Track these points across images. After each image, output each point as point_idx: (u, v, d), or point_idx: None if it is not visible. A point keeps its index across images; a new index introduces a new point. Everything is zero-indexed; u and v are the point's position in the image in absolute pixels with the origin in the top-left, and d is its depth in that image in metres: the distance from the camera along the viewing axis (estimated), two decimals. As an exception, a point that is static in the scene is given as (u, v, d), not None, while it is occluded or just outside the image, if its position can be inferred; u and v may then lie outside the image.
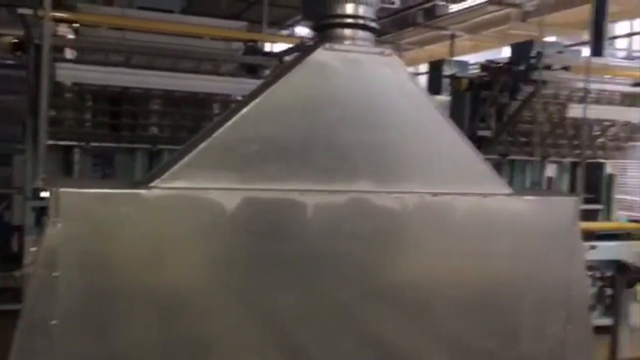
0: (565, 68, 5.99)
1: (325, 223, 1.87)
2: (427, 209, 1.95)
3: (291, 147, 1.89)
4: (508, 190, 2.05)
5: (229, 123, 1.86)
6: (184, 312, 1.84)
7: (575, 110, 5.85)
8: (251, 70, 5.73)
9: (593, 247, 5.99)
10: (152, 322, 1.81)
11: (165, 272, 1.82)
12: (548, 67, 6.08)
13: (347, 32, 1.96)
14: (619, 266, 2.49)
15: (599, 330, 5.92)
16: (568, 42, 14.09)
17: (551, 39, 12.79)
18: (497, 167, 7.21)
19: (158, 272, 1.82)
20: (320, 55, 1.92)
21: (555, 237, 2.10)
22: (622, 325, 2.43)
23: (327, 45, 1.93)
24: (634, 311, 5.97)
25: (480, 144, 6.94)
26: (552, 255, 2.09)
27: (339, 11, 1.96)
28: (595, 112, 6.22)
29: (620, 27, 16.38)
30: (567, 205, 2.10)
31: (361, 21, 1.95)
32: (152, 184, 1.80)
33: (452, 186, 1.98)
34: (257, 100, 1.87)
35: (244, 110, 1.87)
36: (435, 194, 1.96)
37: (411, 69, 16.55)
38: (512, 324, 2.07)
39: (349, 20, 1.95)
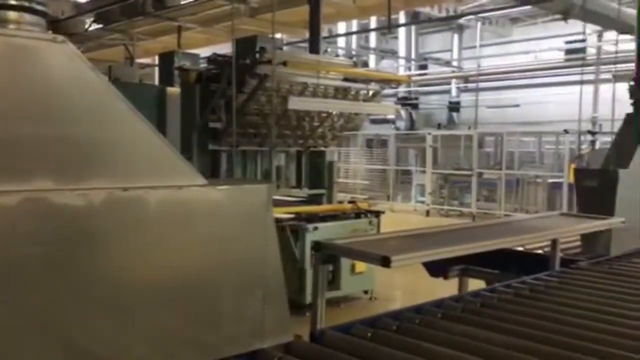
0: (284, 63, 6.40)
1: (-5, 228, 1.66)
2: (118, 205, 1.87)
3: (-54, 144, 1.63)
4: (203, 181, 2.08)
5: None
6: None
7: (294, 103, 6.29)
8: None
9: (316, 229, 6.58)
10: None
11: None
12: (269, 62, 6.43)
13: (11, 15, 1.75)
14: (315, 244, 2.74)
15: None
16: (296, 40, 15.20)
17: (278, 35, 13.62)
18: (230, 157, 7.45)
19: None
20: (-22, 39, 1.69)
21: (250, 223, 2.20)
22: (320, 298, 2.68)
23: (-13, 28, 1.71)
24: (347, 283, 6.73)
25: (212, 135, 7.08)
26: (249, 241, 2.20)
27: (2, -9, 1.74)
28: (313, 104, 6.78)
29: (341, 27, 18.22)
30: (260, 192, 2.22)
31: (27, 3, 1.76)
32: None
33: (144, 180, 1.93)
34: None
35: None
36: (125, 189, 1.89)
37: (149, 60, 16.08)
38: (214, 310, 2.12)
39: (13, 2, 1.76)
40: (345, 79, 7.37)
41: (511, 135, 14.56)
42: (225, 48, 10.95)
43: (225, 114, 6.94)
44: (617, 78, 12.43)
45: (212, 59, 7.07)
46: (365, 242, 3.03)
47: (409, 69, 20.88)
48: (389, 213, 14.05)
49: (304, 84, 6.70)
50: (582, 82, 11.27)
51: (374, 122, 20.00)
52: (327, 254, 2.72)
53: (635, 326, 2.70)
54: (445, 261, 4.22)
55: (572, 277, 3.63)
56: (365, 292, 7.19)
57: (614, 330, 2.64)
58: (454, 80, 20.60)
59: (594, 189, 3.98)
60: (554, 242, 3.77)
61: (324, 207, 7.33)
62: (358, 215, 7.10)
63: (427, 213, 14.89)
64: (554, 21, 16.58)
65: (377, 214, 7.17)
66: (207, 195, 2.09)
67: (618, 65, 12.52)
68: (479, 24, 19.34)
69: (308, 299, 5.82)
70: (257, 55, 6.71)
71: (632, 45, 5.00)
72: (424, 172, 15.42)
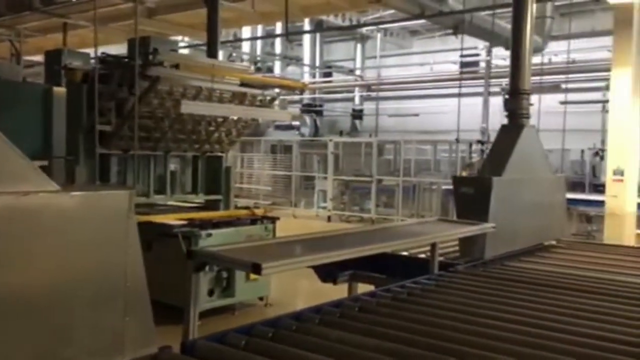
0: (176, 66, 6.23)
1: None
2: (-48, 212, 1.72)
3: None
4: (54, 187, 1.95)
5: None
6: None
7: (187, 107, 6.14)
8: None
9: (209, 235, 6.44)
10: None
11: None
12: (161, 64, 6.24)
13: None
14: (188, 252, 2.66)
15: (217, 310, 6.45)
16: (199, 42, 14.90)
17: (179, 37, 13.31)
18: (123, 161, 7.14)
19: None
20: None
21: (109, 231, 2.10)
22: (193, 307, 2.60)
23: None
24: (241, 289, 6.64)
25: (100, 138, 6.75)
26: (107, 249, 2.09)
27: None
28: (207, 108, 6.65)
29: (246, 33, 18.08)
30: (120, 199, 2.12)
31: None
32: None
33: (-16, 185, 1.79)
34: None
35: None
36: (-39, 195, 1.73)
37: (40, 58, 15.16)
38: (66, 322, 1.99)
39: None
40: (244, 84, 7.29)
41: (408, 143, 15.07)
42: (121, 48, 10.53)
43: (115, 116, 6.64)
44: (505, 91, 13.22)
45: (101, 59, 6.76)
46: (242, 249, 2.98)
47: (314, 76, 21.10)
48: (291, 219, 14.11)
49: (198, 87, 6.56)
50: (459, 95, 11.96)
51: (279, 128, 20.02)
52: (200, 261, 2.65)
53: (499, 327, 2.84)
54: (335, 266, 4.26)
55: (449, 280, 3.77)
56: (261, 298, 7.13)
57: (479, 332, 2.75)
58: (357, 89, 21.04)
59: (471, 196, 4.17)
60: (433, 247, 3.90)
61: (218, 214, 7.20)
62: (254, 221, 7.03)
63: (329, 219, 15.07)
64: (450, 35, 17.39)
65: (273, 219, 7.14)
66: (58, 202, 1.96)
67: (506, 79, 13.31)
68: (380, 35, 19.88)
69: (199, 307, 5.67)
70: (150, 57, 6.49)
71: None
72: (326, 178, 15.60)
